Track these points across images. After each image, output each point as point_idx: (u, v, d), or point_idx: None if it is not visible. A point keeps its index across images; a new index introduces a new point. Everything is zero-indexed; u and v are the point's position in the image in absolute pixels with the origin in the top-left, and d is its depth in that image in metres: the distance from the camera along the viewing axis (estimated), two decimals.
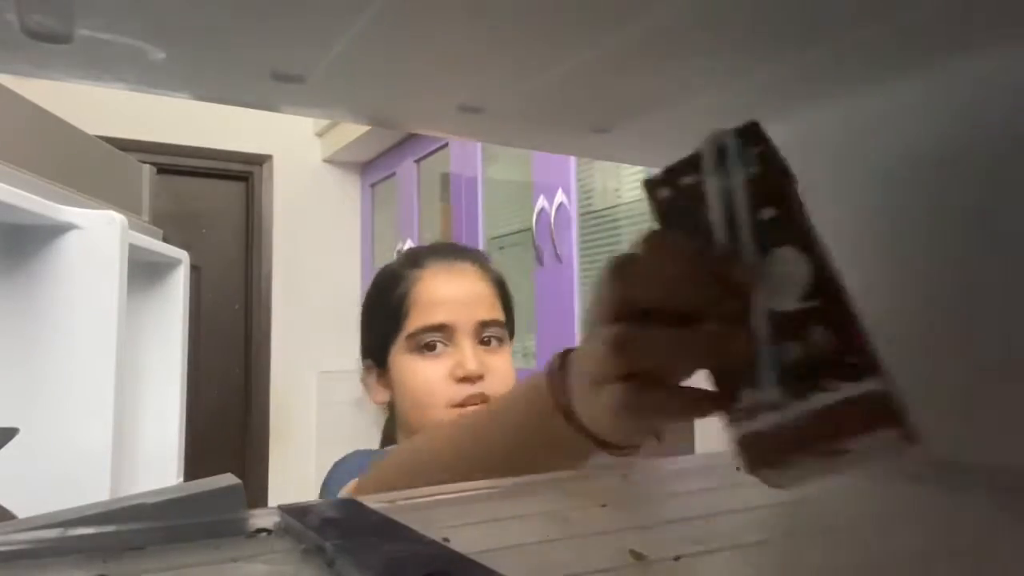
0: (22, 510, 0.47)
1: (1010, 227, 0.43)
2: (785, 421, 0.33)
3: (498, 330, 0.90)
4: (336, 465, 0.87)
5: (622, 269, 0.35)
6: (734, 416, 0.34)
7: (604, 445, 0.42)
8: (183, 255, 1.63)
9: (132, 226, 1.30)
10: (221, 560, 0.32)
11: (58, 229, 1.18)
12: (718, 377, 0.35)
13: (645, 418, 0.36)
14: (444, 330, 0.87)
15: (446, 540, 0.32)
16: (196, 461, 1.73)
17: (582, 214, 1.83)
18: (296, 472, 3.02)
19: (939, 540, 0.35)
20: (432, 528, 0.33)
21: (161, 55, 0.42)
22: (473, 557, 0.29)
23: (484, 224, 2.28)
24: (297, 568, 0.31)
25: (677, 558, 0.30)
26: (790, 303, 0.34)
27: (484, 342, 0.88)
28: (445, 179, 2.54)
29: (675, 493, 0.44)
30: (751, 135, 0.37)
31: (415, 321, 0.88)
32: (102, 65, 0.44)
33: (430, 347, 0.87)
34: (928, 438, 0.31)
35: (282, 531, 0.36)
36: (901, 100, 0.49)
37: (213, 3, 0.37)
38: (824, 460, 0.32)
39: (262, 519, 0.37)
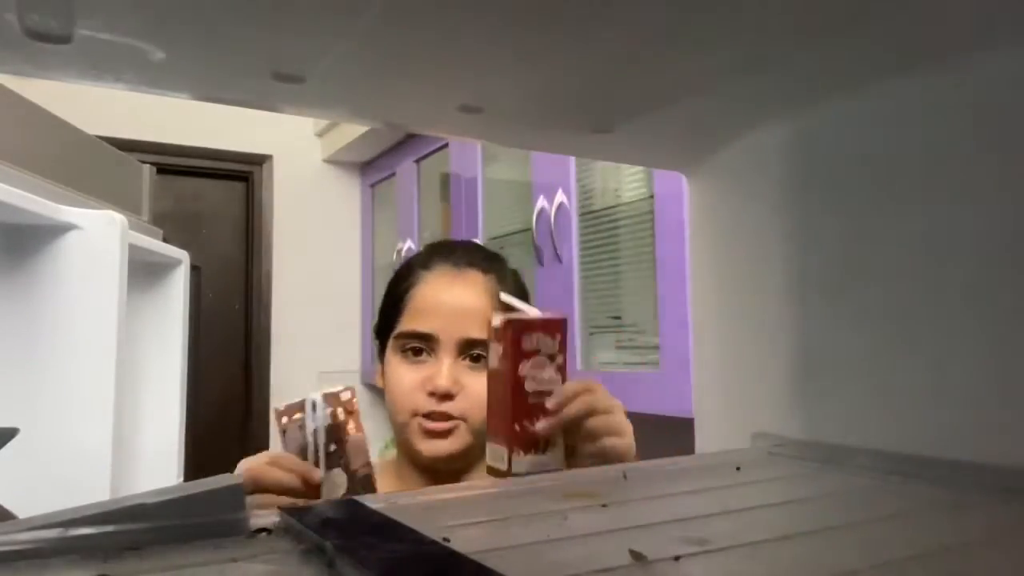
0: (22, 510, 0.47)
1: (1017, 225, 0.43)
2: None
3: (486, 348, 0.88)
4: None
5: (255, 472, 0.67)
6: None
7: None
8: (183, 255, 1.63)
9: (132, 226, 1.30)
10: (221, 560, 0.32)
11: (58, 229, 1.18)
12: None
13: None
14: (428, 340, 0.86)
15: (446, 540, 0.32)
16: (196, 461, 1.73)
17: (582, 214, 1.83)
18: None
19: (939, 540, 0.35)
20: (432, 528, 0.33)
21: (161, 55, 0.42)
22: (473, 557, 0.29)
23: (484, 224, 2.28)
24: (297, 568, 0.31)
25: (677, 558, 0.30)
26: (335, 495, 0.67)
27: (472, 358, 0.86)
28: (445, 179, 2.54)
29: (675, 493, 0.44)
30: (331, 398, 0.69)
31: (405, 323, 0.87)
32: (102, 65, 0.44)
33: (415, 352, 0.86)
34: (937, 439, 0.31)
35: (282, 531, 0.36)
36: (902, 100, 0.49)
37: (213, 3, 0.37)
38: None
39: (262, 519, 0.37)
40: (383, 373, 0.92)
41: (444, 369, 0.84)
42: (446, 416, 0.83)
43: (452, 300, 0.87)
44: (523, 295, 0.93)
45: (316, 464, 0.67)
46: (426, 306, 0.87)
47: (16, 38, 0.39)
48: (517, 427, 0.62)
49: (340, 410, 0.68)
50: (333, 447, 0.67)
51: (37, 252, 1.18)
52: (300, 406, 0.68)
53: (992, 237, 0.44)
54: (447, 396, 0.83)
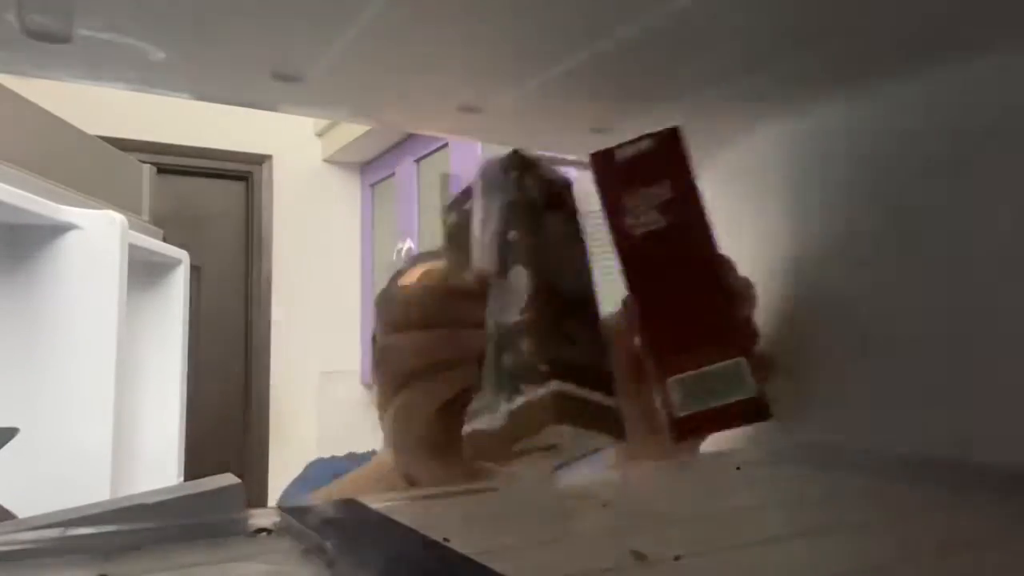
0: (22, 510, 0.47)
1: (1007, 226, 0.43)
2: (493, 422, 0.38)
3: None
4: (300, 476, 0.86)
5: (382, 302, 0.44)
6: (467, 416, 0.40)
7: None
8: (183, 255, 1.63)
9: (132, 226, 1.30)
10: (221, 560, 0.32)
11: (58, 229, 1.18)
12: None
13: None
14: None
15: (446, 540, 0.32)
16: (196, 461, 1.73)
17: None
18: (296, 472, 3.02)
19: (940, 540, 0.35)
20: (432, 528, 0.33)
21: (161, 55, 0.42)
22: (473, 557, 0.29)
23: None
24: (297, 568, 0.31)
25: (677, 558, 0.30)
26: (511, 316, 0.39)
27: None
28: (445, 179, 2.54)
29: (675, 493, 0.44)
30: (513, 163, 0.43)
31: None
32: (102, 65, 0.44)
33: None
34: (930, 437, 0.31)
35: (282, 531, 0.36)
36: (901, 100, 0.49)
37: (213, 3, 0.37)
38: (527, 454, 0.38)
39: (262, 519, 0.37)
40: None
41: None
42: None
43: None
44: None
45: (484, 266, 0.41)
46: None
47: (16, 38, 0.39)
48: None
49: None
50: (513, 234, 0.40)
51: (37, 252, 1.18)
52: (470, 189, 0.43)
53: (992, 240, 0.44)
54: None
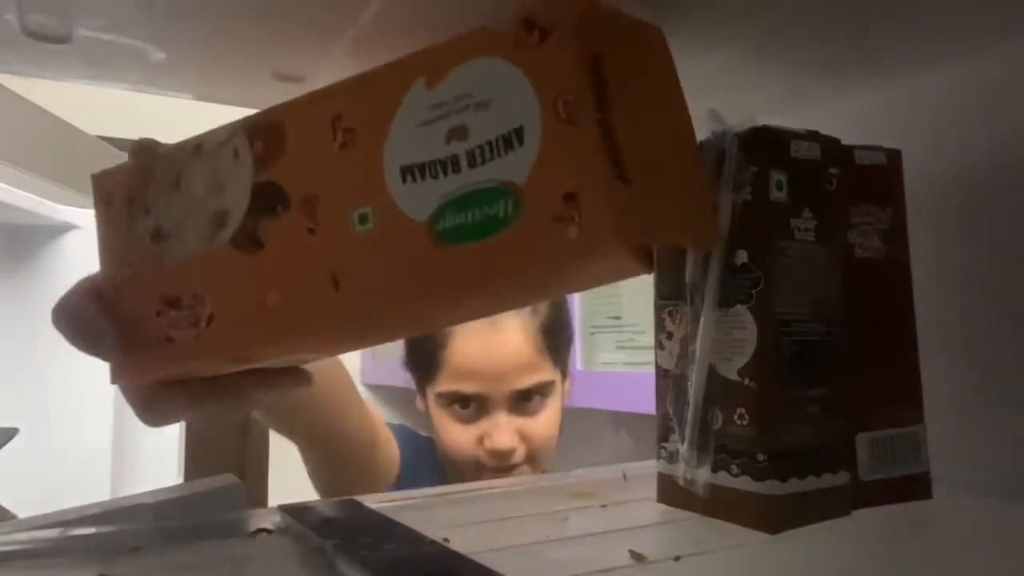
0: (22, 510, 0.47)
1: None
2: (689, 483, 0.34)
3: (540, 390, 0.82)
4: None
5: None
6: (661, 447, 0.37)
7: None
8: None
9: None
10: (221, 560, 0.32)
11: (58, 229, 1.18)
12: None
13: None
14: (476, 399, 0.81)
15: (446, 540, 0.32)
16: (196, 461, 1.73)
17: None
18: (296, 472, 3.02)
19: (940, 539, 0.35)
20: (432, 528, 0.33)
21: (161, 55, 0.42)
22: (473, 557, 0.29)
23: None
24: (297, 568, 0.31)
25: (677, 558, 0.30)
26: (730, 363, 0.32)
27: (525, 400, 0.81)
28: None
29: None
30: (757, 147, 0.33)
31: (446, 383, 0.82)
32: (102, 65, 0.44)
33: (463, 406, 0.81)
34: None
35: (282, 531, 0.35)
36: (903, 100, 0.49)
37: (213, 3, 0.37)
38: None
39: (262, 519, 0.37)
40: (426, 409, 0.87)
41: (502, 426, 0.79)
42: (510, 468, 0.81)
43: (492, 355, 0.80)
44: (560, 310, 0.88)
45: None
46: (464, 367, 0.81)
47: (16, 38, 0.39)
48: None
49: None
50: (743, 257, 0.32)
51: (37, 252, 1.18)
52: None
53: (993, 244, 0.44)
54: (510, 453, 0.80)
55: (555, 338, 0.85)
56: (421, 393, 0.89)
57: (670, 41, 0.30)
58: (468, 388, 0.81)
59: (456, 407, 0.82)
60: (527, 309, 0.83)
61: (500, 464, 0.80)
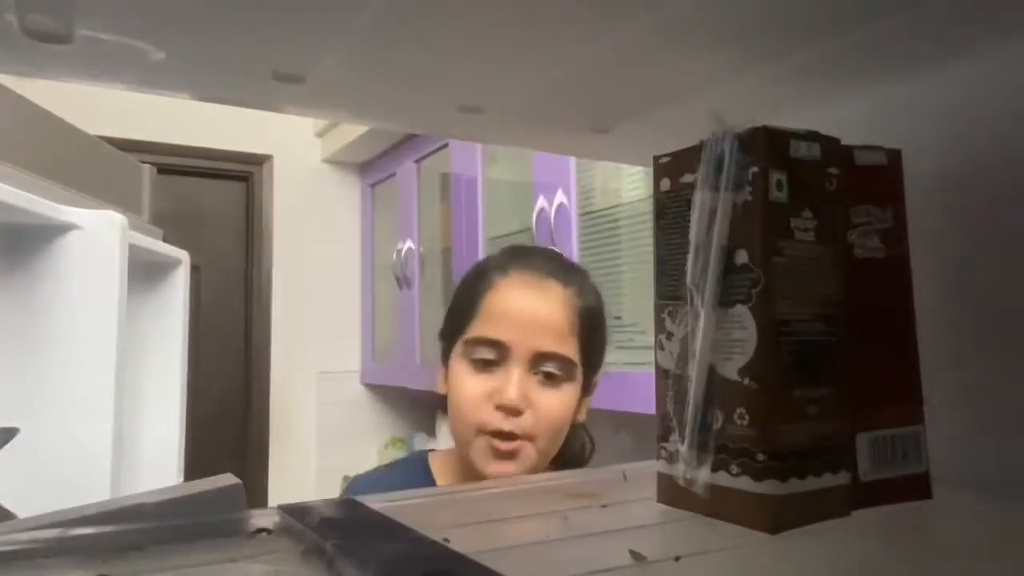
0: (22, 510, 0.47)
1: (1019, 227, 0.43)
2: (689, 482, 0.35)
3: (560, 365, 0.82)
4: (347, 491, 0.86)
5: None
6: (661, 447, 0.37)
7: None
8: (183, 255, 1.63)
9: (132, 226, 1.30)
10: (221, 560, 0.32)
11: (58, 229, 1.18)
12: None
13: None
14: (499, 348, 0.81)
15: (446, 540, 0.32)
16: (196, 461, 1.73)
17: (582, 214, 1.83)
18: (296, 472, 3.02)
19: (940, 539, 0.35)
20: (432, 528, 0.33)
21: (161, 55, 0.42)
22: (473, 557, 0.29)
23: (484, 224, 2.28)
24: (297, 568, 0.31)
25: (677, 558, 0.30)
26: (730, 362, 0.32)
27: (544, 375, 0.81)
28: (445, 179, 2.54)
29: None
30: (756, 147, 0.33)
31: (476, 329, 0.83)
32: (102, 65, 0.44)
33: (484, 362, 0.82)
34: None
35: (282, 531, 0.35)
36: (903, 100, 0.49)
37: (213, 3, 0.37)
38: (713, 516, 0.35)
39: (262, 519, 0.37)
40: (446, 378, 0.87)
41: (514, 380, 0.79)
42: (512, 435, 0.79)
43: (529, 308, 0.82)
44: (602, 314, 0.87)
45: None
46: (500, 312, 0.82)
47: (16, 38, 0.39)
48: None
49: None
50: (743, 257, 0.31)
51: (37, 252, 1.18)
52: (695, 156, 0.33)
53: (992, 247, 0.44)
54: (515, 412, 0.79)
55: (588, 328, 0.86)
56: (445, 361, 0.89)
57: (670, 41, 0.29)
58: (495, 333, 0.82)
59: (479, 353, 0.82)
60: (574, 288, 0.85)
61: (502, 427, 0.79)
